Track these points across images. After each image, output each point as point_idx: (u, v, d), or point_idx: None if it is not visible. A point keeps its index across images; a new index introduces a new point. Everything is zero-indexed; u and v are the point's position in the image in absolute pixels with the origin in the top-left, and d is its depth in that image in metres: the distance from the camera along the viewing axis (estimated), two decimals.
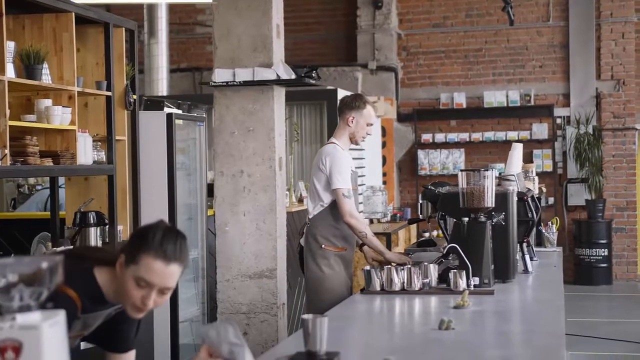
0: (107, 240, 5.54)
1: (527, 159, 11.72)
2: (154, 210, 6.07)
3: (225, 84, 5.31)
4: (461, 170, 4.33)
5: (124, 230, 5.79)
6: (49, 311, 1.79)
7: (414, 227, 10.68)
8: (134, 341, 2.85)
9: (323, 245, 5.06)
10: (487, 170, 4.32)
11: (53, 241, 5.48)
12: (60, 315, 1.80)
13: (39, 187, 8.46)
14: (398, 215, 10.49)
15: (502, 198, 4.41)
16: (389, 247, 8.83)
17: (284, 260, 5.44)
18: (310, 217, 5.14)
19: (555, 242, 6.24)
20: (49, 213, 5.81)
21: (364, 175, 10.34)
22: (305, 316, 2.65)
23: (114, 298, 2.63)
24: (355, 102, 5.17)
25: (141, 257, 2.48)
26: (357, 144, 5.26)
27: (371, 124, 5.20)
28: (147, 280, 2.48)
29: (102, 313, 2.69)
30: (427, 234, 10.83)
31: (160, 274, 2.47)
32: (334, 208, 5.06)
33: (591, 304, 10.78)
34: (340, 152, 5.08)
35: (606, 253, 11.82)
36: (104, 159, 5.54)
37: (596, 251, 11.80)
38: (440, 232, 6.01)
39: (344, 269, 5.10)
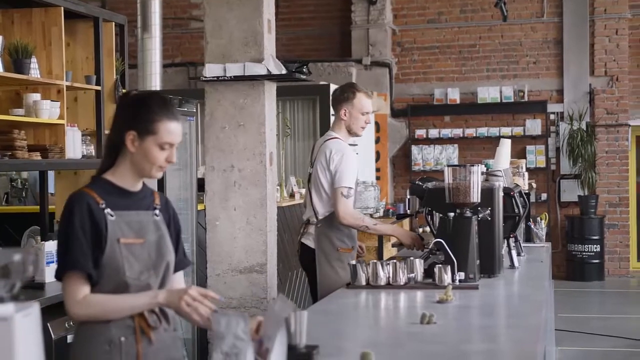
0: None
1: (521, 154, 11.75)
2: None
3: (216, 78, 5.30)
4: (447, 166, 4.34)
5: None
6: (22, 303, 1.81)
7: (408, 222, 10.70)
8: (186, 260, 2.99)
9: (339, 249, 4.96)
10: (473, 165, 4.33)
11: (42, 235, 5.49)
12: (34, 307, 1.82)
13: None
14: (391, 210, 10.50)
15: (488, 193, 4.41)
16: (381, 242, 8.85)
17: (274, 255, 5.44)
18: (320, 217, 4.99)
19: (544, 237, 6.24)
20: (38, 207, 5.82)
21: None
22: None
23: (132, 182, 2.85)
24: (344, 93, 5.04)
25: (158, 126, 2.78)
26: (357, 135, 5.13)
27: (366, 112, 5.04)
28: (170, 141, 2.81)
29: (136, 213, 2.84)
30: (421, 230, 10.81)
31: (177, 132, 2.83)
32: None
33: (583, 300, 10.82)
34: (349, 150, 4.96)
35: (599, 249, 11.85)
36: (94, 153, 5.55)
37: (589, 247, 11.82)
38: None
39: None
